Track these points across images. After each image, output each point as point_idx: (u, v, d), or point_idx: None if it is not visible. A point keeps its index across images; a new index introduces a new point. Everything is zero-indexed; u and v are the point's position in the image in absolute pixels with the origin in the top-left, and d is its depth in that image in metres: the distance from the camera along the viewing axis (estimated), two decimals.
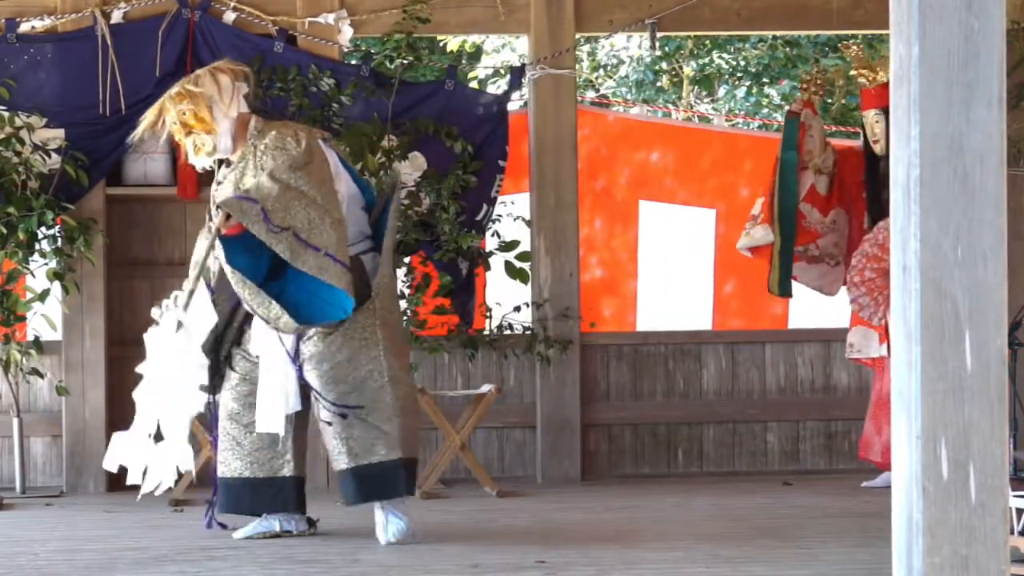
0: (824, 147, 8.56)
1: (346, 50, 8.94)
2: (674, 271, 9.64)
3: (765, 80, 16.09)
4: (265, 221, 6.20)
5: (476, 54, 16.25)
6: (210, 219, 6.47)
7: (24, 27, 8.64)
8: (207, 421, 6.90)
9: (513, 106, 9.13)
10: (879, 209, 8.27)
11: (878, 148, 8.36)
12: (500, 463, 8.97)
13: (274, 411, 6.38)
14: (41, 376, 8.57)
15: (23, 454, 8.58)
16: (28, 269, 8.43)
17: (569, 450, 8.88)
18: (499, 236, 8.81)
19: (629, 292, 9.57)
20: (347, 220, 6.44)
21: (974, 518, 3.26)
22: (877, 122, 8.36)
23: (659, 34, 9.11)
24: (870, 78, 8.42)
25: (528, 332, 8.83)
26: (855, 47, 8.72)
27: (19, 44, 8.60)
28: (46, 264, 8.45)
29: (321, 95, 8.64)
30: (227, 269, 6.30)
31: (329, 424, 6.42)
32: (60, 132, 8.52)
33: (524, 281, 8.81)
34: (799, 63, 15.43)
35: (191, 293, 6.33)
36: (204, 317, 6.33)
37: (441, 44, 15.67)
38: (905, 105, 3.32)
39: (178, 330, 6.24)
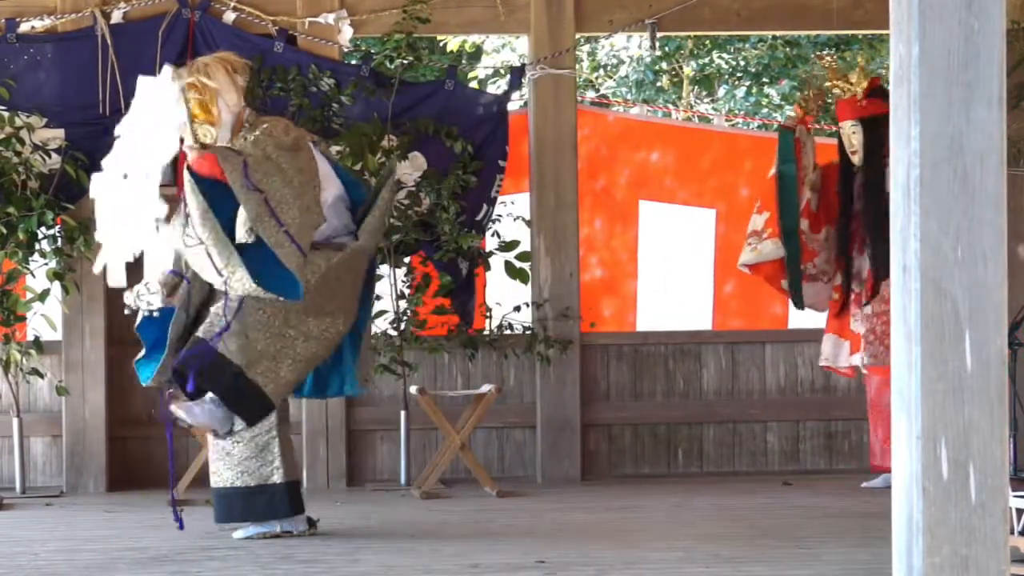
0: (815, 165, 8.51)
1: (346, 50, 8.94)
2: (674, 271, 9.62)
3: (765, 80, 16.08)
4: (244, 175, 6.30)
5: (476, 54, 16.25)
6: (185, 207, 6.53)
7: (24, 27, 8.64)
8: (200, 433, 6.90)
9: (513, 106, 9.13)
10: (847, 222, 8.23)
11: (856, 159, 8.30)
12: (500, 463, 8.97)
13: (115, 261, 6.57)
14: (41, 376, 8.57)
15: (23, 454, 8.58)
16: (28, 269, 8.43)
17: (569, 450, 8.88)
18: (499, 236, 8.81)
19: (629, 292, 9.56)
20: (330, 217, 6.55)
21: (974, 518, 3.26)
22: (854, 133, 8.26)
23: (659, 34, 9.11)
24: (845, 89, 8.35)
25: (528, 332, 8.83)
26: (828, 57, 8.68)
27: (19, 44, 8.60)
28: (46, 264, 8.45)
29: (321, 95, 8.64)
30: (198, 208, 6.34)
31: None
32: (60, 132, 8.53)
33: (524, 281, 8.81)
34: (799, 63, 15.43)
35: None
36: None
37: (441, 44, 15.66)
38: (905, 105, 3.32)
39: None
